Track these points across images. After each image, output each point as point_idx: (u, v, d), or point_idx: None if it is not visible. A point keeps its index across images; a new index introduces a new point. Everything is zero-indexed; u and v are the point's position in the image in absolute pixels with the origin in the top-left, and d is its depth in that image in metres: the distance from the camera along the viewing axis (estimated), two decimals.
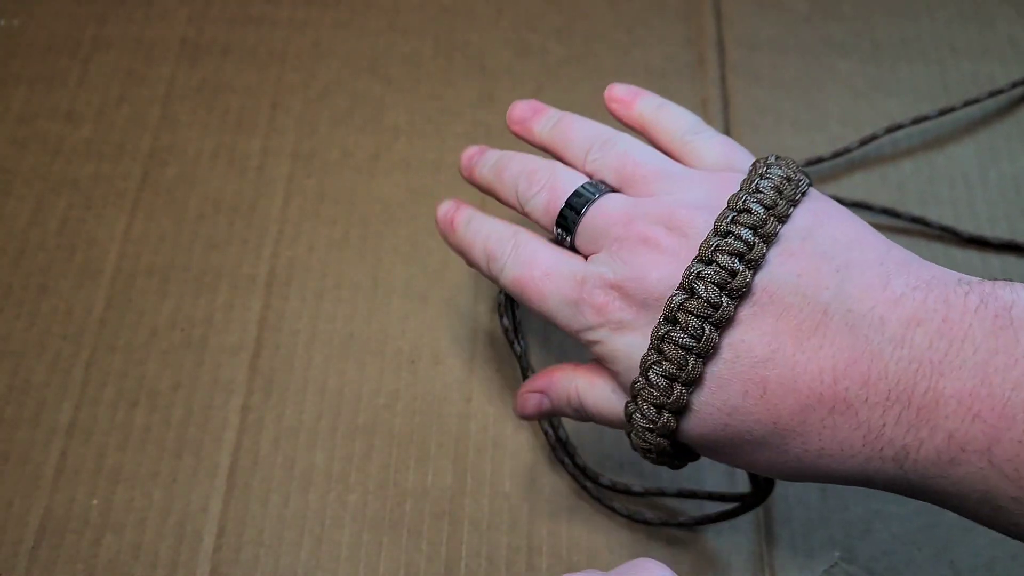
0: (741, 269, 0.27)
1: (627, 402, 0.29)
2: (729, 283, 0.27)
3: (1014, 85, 0.48)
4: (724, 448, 0.28)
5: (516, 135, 0.36)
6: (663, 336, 0.28)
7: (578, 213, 0.31)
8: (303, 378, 0.41)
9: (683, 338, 0.27)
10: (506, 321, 0.39)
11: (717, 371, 0.27)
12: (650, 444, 0.29)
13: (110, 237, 0.44)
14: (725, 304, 0.27)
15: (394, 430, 0.39)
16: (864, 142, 0.46)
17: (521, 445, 0.39)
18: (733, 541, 0.37)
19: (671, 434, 0.29)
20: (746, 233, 0.27)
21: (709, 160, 0.32)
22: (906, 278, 0.26)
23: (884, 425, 0.25)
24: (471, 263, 0.35)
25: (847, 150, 0.46)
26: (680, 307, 0.27)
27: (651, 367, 0.28)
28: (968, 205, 0.45)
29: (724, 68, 0.50)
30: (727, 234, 0.28)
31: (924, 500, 0.26)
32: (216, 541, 0.37)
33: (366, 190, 0.46)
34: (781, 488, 0.38)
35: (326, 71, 0.50)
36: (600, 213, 0.31)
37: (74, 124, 0.48)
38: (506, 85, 0.49)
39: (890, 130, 0.46)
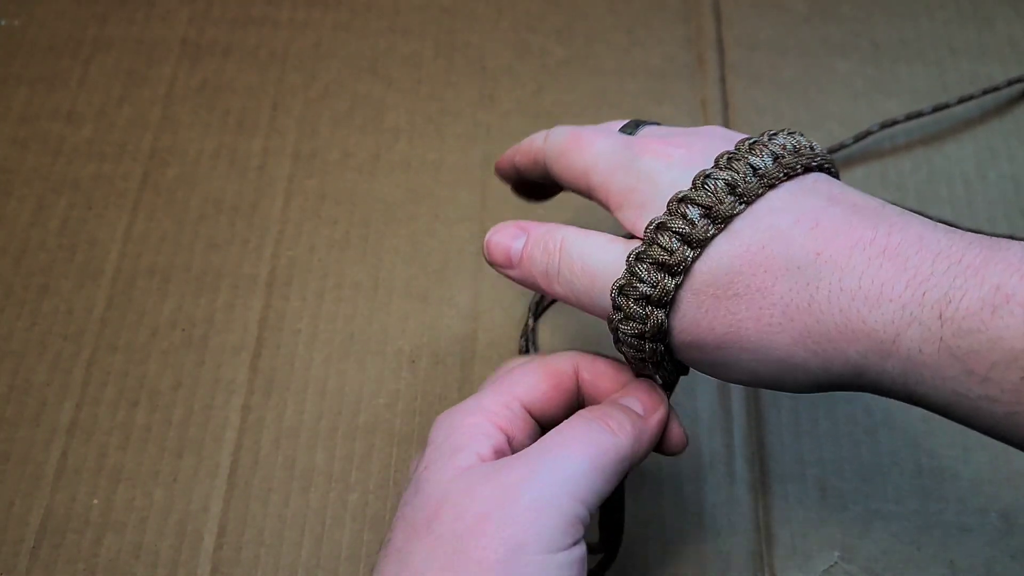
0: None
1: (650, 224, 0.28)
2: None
3: (1010, 83, 0.48)
4: (747, 283, 0.26)
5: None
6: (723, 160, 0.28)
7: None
8: (304, 378, 0.41)
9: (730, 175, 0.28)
10: (531, 321, 0.40)
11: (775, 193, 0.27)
12: (656, 283, 0.27)
13: (111, 237, 0.44)
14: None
15: (394, 430, 0.39)
16: (859, 138, 0.46)
17: None
18: (733, 541, 0.37)
19: (695, 254, 0.27)
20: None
21: None
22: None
23: (932, 274, 0.24)
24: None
25: (842, 146, 0.46)
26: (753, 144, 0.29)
27: (708, 177, 0.28)
28: (967, 204, 0.45)
29: (724, 68, 0.50)
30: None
31: (941, 387, 0.25)
32: (217, 540, 0.37)
33: (367, 190, 0.46)
34: (781, 488, 0.38)
35: (327, 72, 0.50)
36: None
37: (75, 124, 0.48)
38: (506, 85, 0.49)
39: (885, 125, 0.46)
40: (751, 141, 0.29)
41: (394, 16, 0.52)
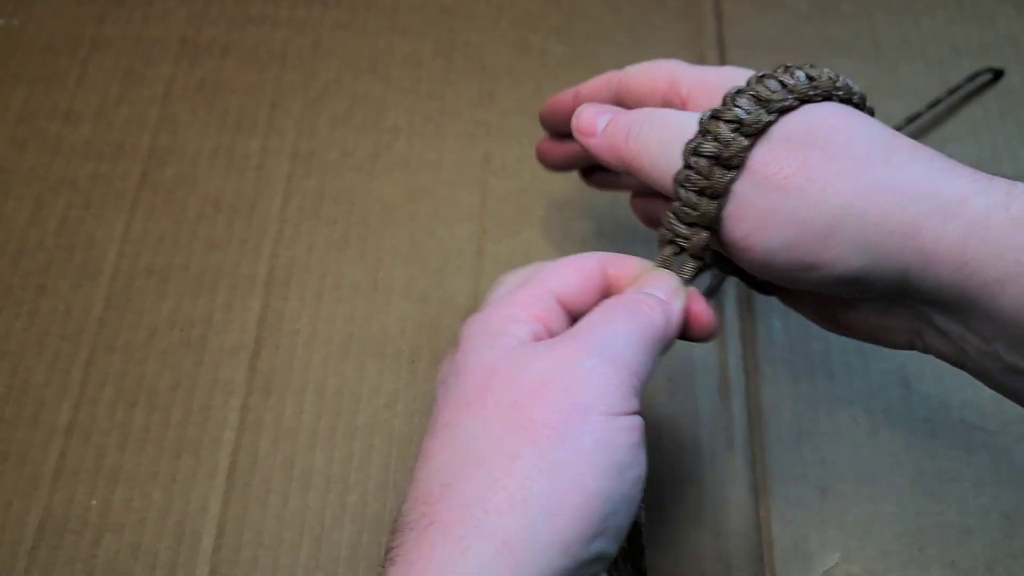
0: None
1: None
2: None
3: (969, 78, 0.48)
4: (826, 136, 0.29)
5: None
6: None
7: None
8: (303, 378, 0.40)
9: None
10: None
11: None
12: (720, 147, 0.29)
13: (109, 237, 0.44)
14: None
15: (394, 430, 0.39)
16: None
17: None
18: (733, 542, 0.37)
19: (771, 118, 0.29)
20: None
21: None
22: None
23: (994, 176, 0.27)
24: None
25: None
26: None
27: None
28: None
29: None
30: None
31: (1003, 255, 0.26)
32: (215, 541, 0.37)
33: (366, 190, 0.46)
34: (782, 489, 0.38)
35: (326, 71, 0.50)
36: None
37: (73, 124, 0.48)
38: (506, 85, 0.49)
39: None
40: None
41: (393, 15, 0.52)
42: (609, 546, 0.25)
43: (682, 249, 0.31)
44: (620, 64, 0.50)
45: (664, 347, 0.29)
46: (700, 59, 0.50)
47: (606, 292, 0.30)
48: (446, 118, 0.48)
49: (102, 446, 0.39)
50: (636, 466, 0.25)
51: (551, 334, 0.28)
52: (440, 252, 0.44)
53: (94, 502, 0.37)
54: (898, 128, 0.46)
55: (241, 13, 0.52)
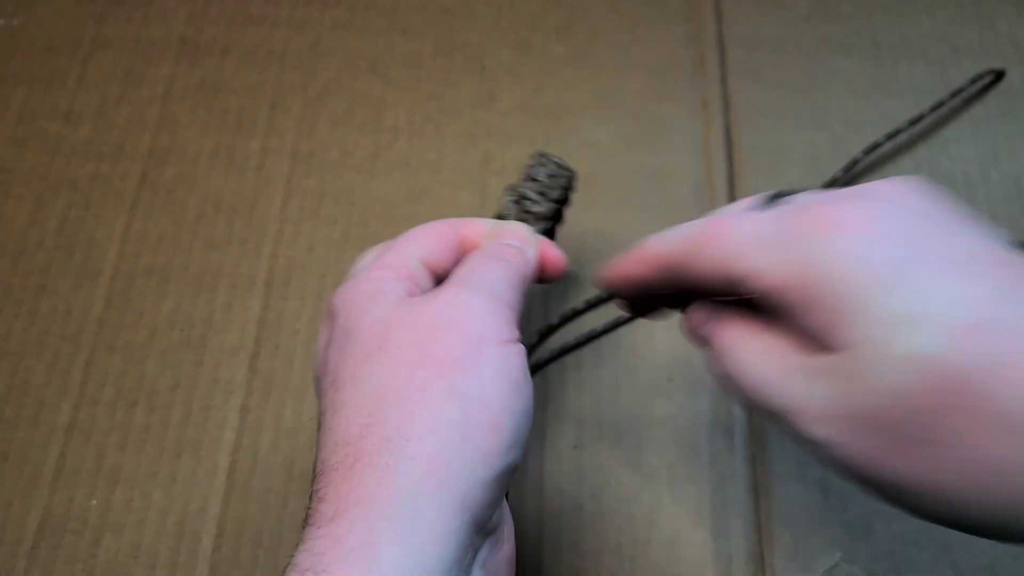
0: None
1: None
2: None
3: (973, 80, 0.48)
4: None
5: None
6: None
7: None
8: (302, 378, 0.40)
9: None
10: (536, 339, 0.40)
11: None
12: None
13: (109, 237, 0.44)
14: None
15: None
16: (847, 168, 0.45)
17: None
18: (733, 542, 0.37)
19: None
20: None
21: None
22: None
23: None
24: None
25: (834, 180, 0.45)
26: None
27: None
28: (969, 204, 0.45)
29: (725, 68, 0.49)
30: None
31: None
32: (215, 541, 0.37)
33: (366, 190, 0.46)
34: (782, 489, 0.38)
35: (326, 71, 0.50)
36: None
37: (73, 124, 0.48)
38: (506, 85, 0.49)
39: (868, 151, 0.46)
40: None
41: (393, 15, 0.52)
42: (519, 455, 0.27)
43: (526, 213, 0.36)
44: (620, 63, 0.50)
45: (527, 286, 0.32)
46: (701, 58, 0.50)
47: (461, 251, 0.33)
48: (446, 118, 0.48)
49: (102, 446, 0.39)
50: (528, 382, 0.28)
51: (422, 291, 0.30)
52: None
53: (94, 502, 0.37)
54: (900, 130, 0.46)
55: (241, 13, 0.52)
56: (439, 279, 0.31)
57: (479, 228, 0.34)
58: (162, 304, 0.42)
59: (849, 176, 0.46)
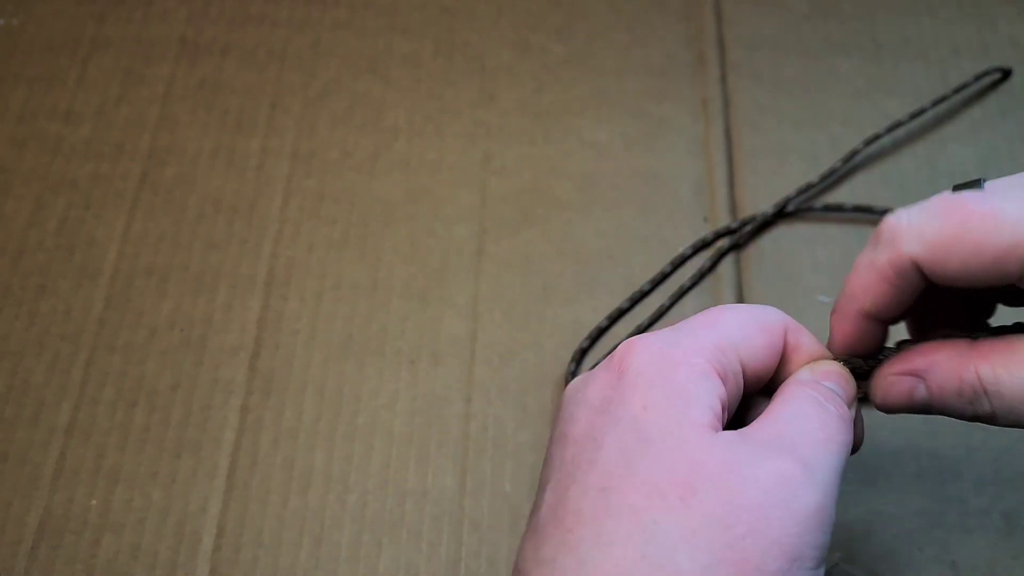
0: None
1: None
2: None
3: (977, 77, 0.48)
4: None
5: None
6: None
7: None
8: (302, 378, 0.40)
9: None
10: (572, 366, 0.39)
11: None
12: None
13: (109, 237, 0.44)
14: None
15: (394, 430, 0.39)
16: (847, 159, 0.46)
17: (521, 445, 0.39)
18: None
19: None
20: None
21: None
22: None
23: None
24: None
25: (833, 171, 0.45)
26: None
27: None
28: None
29: (725, 67, 0.49)
30: None
31: None
32: (215, 541, 0.37)
33: (366, 190, 0.46)
34: None
35: (325, 71, 0.50)
36: None
37: (73, 124, 0.48)
38: (506, 85, 0.49)
39: (868, 141, 0.46)
40: None
41: (393, 15, 0.52)
42: None
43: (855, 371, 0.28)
44: (620, 63, 0.50)
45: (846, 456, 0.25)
46: (701, 58, 0.50)
47: (782, 360, 0.27)
48: (446, 118, 0.48)
49: (102, 446, 0.39)
50: None
51: (730, 401, 0.25)
52: (440, 252, 0.44)
53: (94, 502, 0.37)
54: (900, 123, 0.46)
55: (241, 13, 0.52)
56: (748, 382, 0.26)
57: (809, 345, 0.27)
58: (162, 304, 0.42)
59: (848, 167, 0.46)
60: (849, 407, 0.26)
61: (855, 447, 0.27)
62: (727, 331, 0.25)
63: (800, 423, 0.24)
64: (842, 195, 0.45)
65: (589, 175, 0.46)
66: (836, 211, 0.45)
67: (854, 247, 0.43)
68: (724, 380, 0.25)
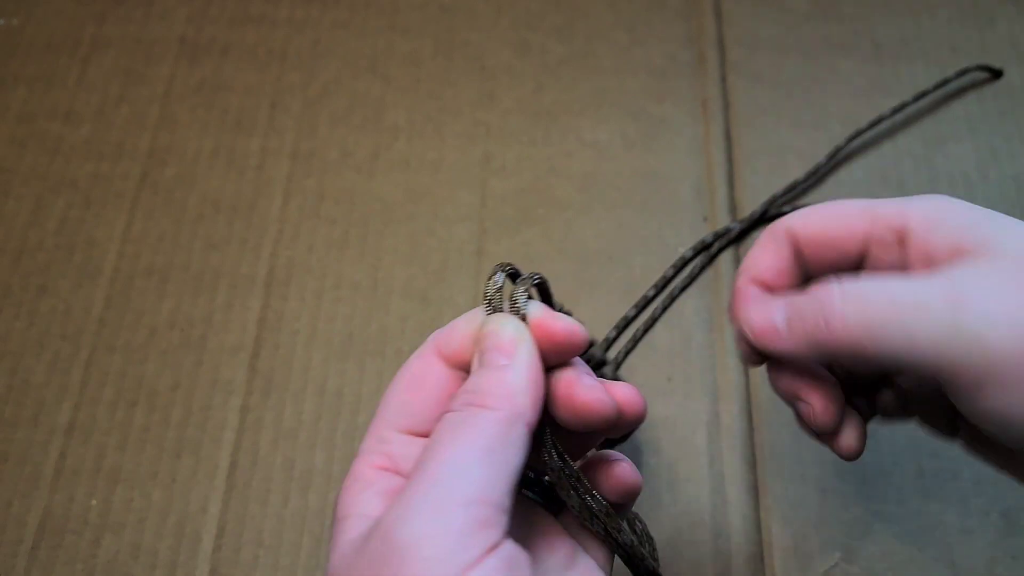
0: None
1: None
2: None
3: (959, 74, 0.48)
4: None
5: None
6: None
7: None
8: (303, 378, 0.40)
9: None
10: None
11: None
12: None
13: (109, 237, 0.44)
14: None
15: None
16: (831, 155, 0.46)
17: None
18: (733, 542, 0.37)
19: None
20: None
21: None
22: None
23: None
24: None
25: (816, 169, 0.45)
26: None
27: None
28: None
29: (725, 67, 0.49)
30: None
31: None
32: (215, 541, 0.37)
33: (366, 190, 0.46)
34: (782, 489, 0.38)
35: (325, 71, 0.50)
36: None
37: (73, 124, 0.48)
38: (506, 84, 0.49)
39: (851, 138, 0.46)
40: None
41: (393, 14, 0.52)
42: None
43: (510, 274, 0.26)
44: (620, 62, 0.50)
45: (530, 424, 0.24)
46: (701, 58, 0.50)
47: (453, 381, 0.26)
48: (446, 118, 0.48)
49: (102, 446, 0.39)
50: None
51: (405, 472, 0.24)
52: (440, 252, 0.44)
53: (94, 502, 0.37)
54: (883, 117, 0.46)
55: (241, 13, 0.52)
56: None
57: (461, 338, 0.25)
58: (162, 304, 0.42)
59: (832, 163, 0.46)
60: (515, 349, 0.24)
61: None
62: (382, 416, 0.26)
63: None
64: (841, 194, 0.45)
65: (589, 175, 0.46)
66: None
67: None
68: (385, 465, 0.24)
